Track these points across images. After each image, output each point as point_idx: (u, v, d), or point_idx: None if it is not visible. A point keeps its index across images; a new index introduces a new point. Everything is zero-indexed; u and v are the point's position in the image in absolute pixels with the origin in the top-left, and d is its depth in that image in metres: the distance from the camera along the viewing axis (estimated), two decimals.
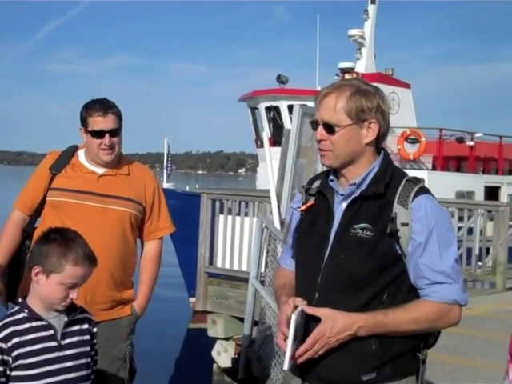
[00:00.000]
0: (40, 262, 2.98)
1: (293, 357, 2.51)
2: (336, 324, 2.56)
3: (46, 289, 3.00)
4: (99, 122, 4.02)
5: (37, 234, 4.04)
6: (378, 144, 2.78)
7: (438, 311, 2.64)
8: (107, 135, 4.02)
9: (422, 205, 2.63)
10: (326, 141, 2.73)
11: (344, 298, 2.64)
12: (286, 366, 2.49)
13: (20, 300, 3.11)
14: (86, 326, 3.19)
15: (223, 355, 10.42)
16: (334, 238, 2.72)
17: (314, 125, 2.77)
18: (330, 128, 2.71)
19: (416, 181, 2.72)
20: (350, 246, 2.66)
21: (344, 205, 2.74)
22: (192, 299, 14.35)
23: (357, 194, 2.71)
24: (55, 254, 2.96)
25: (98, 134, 4.02)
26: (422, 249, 2.62)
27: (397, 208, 2.63)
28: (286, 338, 2.53)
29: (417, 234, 2.62)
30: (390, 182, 2.69)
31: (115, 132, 4.06)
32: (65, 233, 3.08)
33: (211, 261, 10.98)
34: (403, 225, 2.62)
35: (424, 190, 2.69)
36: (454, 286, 2.64)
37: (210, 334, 10.64)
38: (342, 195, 2.76)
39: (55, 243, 2.99)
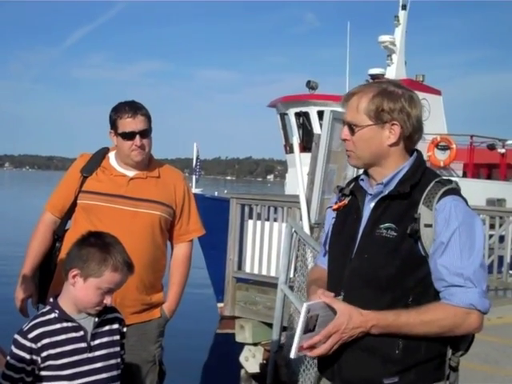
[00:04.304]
0: (79, 265, 2.99)
1: (301, 347, 2.49)
2: (351, 320, 2.53)
3: (82, 292, 3.00)
4: (129, 123, 4.01)
5: (68, 236, 4.07)
6: (410, 145, 2.75)
7: (453, 315, 2.54)
8: (138, 136, 4.02)
9: (446, 206, 2.57)
10: (349, 141, 2.74)
11: (367, 298, 2.62)
12: (292, 355, 2.48)
13: (51, 300, 3.12)
14: (116, 326, 3.20)
15: (251, 361, 10.40)
16: (360, 237, 2.71)
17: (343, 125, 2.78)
18: (351, 128, 2.73)
19: (446, 182, 2.66)
20: (374, 246, 2.65)
21: (372, 204, 2.74)
22: (220, 304, 14.33)
23: (385, 193, 2.70)
24: (95, 258, 2.97)
25: (129, 136, 4.02)
26: (443, 250, 2.55)
27: (421, 209, 2.59)
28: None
29: (438, 234, 2.56)
30: (418, 182, 2.66)
31: (145, 133, 4.06)
32: (104, 237, 3.08)
33: (240, 266, 10.95)
34: (426, 226, 2.57)
35: (452, 192, 2.63)
36: (472, 290, 2.52)
37: (238, 339, 10.62)
38: (370, 195, 2.76)
39: (96, 248, 2.99)
